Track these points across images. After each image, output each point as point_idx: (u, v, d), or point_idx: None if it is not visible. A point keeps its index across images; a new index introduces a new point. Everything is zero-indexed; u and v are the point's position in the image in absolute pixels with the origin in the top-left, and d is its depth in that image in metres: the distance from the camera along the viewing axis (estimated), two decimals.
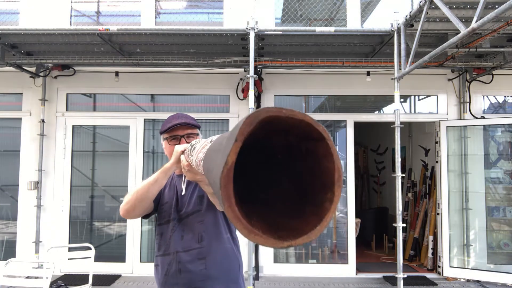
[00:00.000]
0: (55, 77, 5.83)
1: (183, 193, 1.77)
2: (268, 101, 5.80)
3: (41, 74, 5.70)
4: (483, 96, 5.88)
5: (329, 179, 0.61)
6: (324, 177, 0.62)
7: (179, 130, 1.75)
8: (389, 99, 5.82)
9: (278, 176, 0.75)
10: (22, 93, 5.88)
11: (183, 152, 1.45)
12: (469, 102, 5.72)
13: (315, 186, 0.65)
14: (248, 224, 0.54)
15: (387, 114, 6.15)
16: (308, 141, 0.63)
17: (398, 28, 4.38)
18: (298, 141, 0.65)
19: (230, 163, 0.52)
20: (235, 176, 0.54)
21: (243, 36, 4.75)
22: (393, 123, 4.52)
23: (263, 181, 0.79)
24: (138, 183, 1.74)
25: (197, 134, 1.80)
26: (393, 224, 4.57)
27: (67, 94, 5.89)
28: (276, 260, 5.66)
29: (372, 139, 9.03)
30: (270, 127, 0.59)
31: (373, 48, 5.22)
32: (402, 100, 6.05)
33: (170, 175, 1.59)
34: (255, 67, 5.07)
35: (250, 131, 0.53)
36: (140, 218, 5.40)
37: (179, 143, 1.71)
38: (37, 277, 3.60)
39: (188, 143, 1.73)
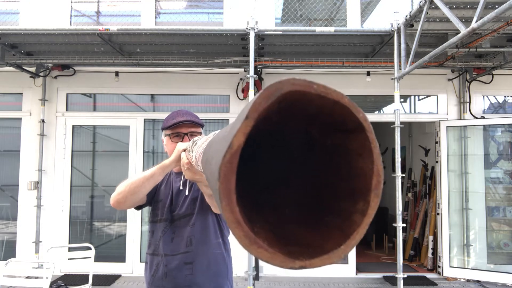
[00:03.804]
0: (55, 77, 5.83)
1: (181, 187, 1.75)
2: None
3: (41, 74, 5.70)
4: (483, 96, 5.88)
5: (362, 184, 0.47)
6: (355, 181, 0.48)
7: (183, 127, 1.71)
8: (389, 99, 5.82)
9: (291, 174, 0.59)
10: (22, 93, 5.88)
11: (184, 150, 1.40)
12: (469, 102, 5.72)
13: (342, 191, 0.50)
14: (250, 231, 0.41)
15: (387, 114, 6.15)
16: (336, 133, 0.48)
17: (398, 28, 4.38)
18: (322, 133, 0.50)
19: (236, 147, 0.39)
20: (239, 170, 0.41)
21: (243, 36, 4.75)
22: (393, 123, 4.52)
23: (272, 180, 0.63)
24: (133, 174, 1.68)
25: (200, 133, 1.77)
26: (393, 224, 4.58)
27: (67, 94, 5.89)
28: None
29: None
30: (288, 110, 0.45)
31: (373, 48, 5.22)
32: (402, 100, 6.05)
33: (167, 172, 1.56)
34: (255, 67, 5.07)
35: (266, 108, 0.40)
36: (140, 218, 5.37)
37: (181, 141, 1.68)
38: (37, 277, 3.61)
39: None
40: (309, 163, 0.56)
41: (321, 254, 0.44)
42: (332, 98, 0.42)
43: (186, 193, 1.74)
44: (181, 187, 1.75)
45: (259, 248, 0.41)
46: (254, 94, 4.72)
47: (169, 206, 1.74)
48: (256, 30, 4.49)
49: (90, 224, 5.92)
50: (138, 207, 1.75)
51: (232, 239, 1.85)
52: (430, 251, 5.86)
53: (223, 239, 1.76)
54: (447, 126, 5.61)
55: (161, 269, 1.69)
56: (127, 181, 1.59)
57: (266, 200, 0.61)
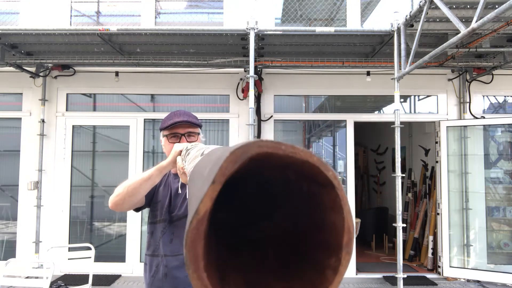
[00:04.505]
0: (55, 77, 5.83)
1: (179, 191, 1.74)
2: (268, 101, 5.80)
3: (41, 74, 5.70)
4: (483, 96, 5.88)
5: (335, 239, 0.46)
6: (328, 234, 0.47)
7: (180, 128, 1.70)
8: (389, 99, 5.82)
9: (274, 213, 0.59)
10: (22, 93, 5.88)
11: (181, 153, 1.40)
12: (469, 102, 5.72)
13: (317, 242, 0.49)
14: None
15: (387, 114, 6.15)
16: (311, 183, 0.48)
17: (398, 28, 4.38)
18: (298, 180, 0.50)
19: (202, 213, 0.39)
20: (222, 204, 0.40)
21: (243, 36, 4.75)
22: (393, 123, 4.52)
23: (256, 217, 0.62)
24: (131, 176, 1.65)
25: (198, 133, 1.76)
26: (393, 224, 4.57)
27: (67, 94, 5.89)
28: None
29: (372, 139, 9.03)
30: (261, 162, 0.45)
31: (373, 48, 5.22)
32: (402, 100, 6.06)
33: (165, 173, 1.55)
34: (255, 67, 5.07)
35: (234, 171, 0.40)
36: (140, 218, 5.36)
37: (179, 141, 1.68)
38: (37, 277, 3.61)
39: (189, 141, 1.69)
40: (288, 207, 0.55)
41: None
42: (300, 158, 0.43)
43: (179, 191, 1.74)
44: (180, 190, 1.74)
45: None
46: (254, 94, 4.72)
47: (168, 207, 1.73)
48: (256, 30, 4.49)
49: (90, 224, 5.92)
50: (137, 209, 1.75)
51: None
52: (430, 251, 5.86)
53: None
54: (447, 126, 5.61)
55: (161, 270, 1.68)
56: (124, 183, 1.58)
57: (249, 236, 0.61)
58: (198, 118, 1.81)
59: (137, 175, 1.56)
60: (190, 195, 0.58)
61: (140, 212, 1.83)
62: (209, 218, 0.41)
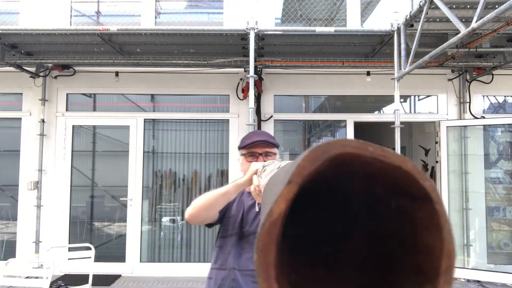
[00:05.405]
0: (55, 77, 5.83)
1: (256, 209, 1.78)
2: (268, 101, 5.80)
3: (41, 74, 5.70)
4: (483, 96, 5.88)
5: (430, 265, 0.39)
6: (421, 259, 0.40)
7: (258, 147, 1.76)
8: (389, 99, 5.82)
9: (352, 231, 0.52)
10: (22, 93, 5.88)
11: (257, 171, 1.39)
12: (469, 102, 5.72)
13: (407, 267, 0.42)
14: None
15: (387, 114, 6.15)
16: (400, 196, 0.41)
17: (398, 28, 4.38)
18: (385, 193, 0.43)
19: (276, 215, 0.35)
20: (297, 220, 0.36)
21: (243, 36, 4.75)
22: (393, 123, 4.52)
23: (332, 234, 0.56)
24: (209, 192, 1.75)
25: (275, 154, 1.81)
26: None
27: (67, 94, 5.89)
28: None
29: (372, 139, 9.00)
30: (343, 167, 0.39)
31: (373, 48, 5.22)
32: (402, 100, 6.05)
33: (241, 191, 1.59)
34: (255, 67, 5.07)
35: (313, 171, 0.36)
36: (140, 218, 5.38)
37: (256, 161, 1.72)
38: (37, 277, 3.61)
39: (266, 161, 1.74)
40: (372, 225, 0.48)
41: None
42: (391, 163, 0.36)
43: (257, 209, 1.77)
44: (257, 208, 1.78)
45: None
46: (254, 94, 4.71)
47: (240, 222, 1.77)
48: (256, 30, 4.49)
49: (90, 224, 5.92)
50: (209, 225, 1.80)
51: None
52: None
53: None
54: (447, 126, 5.61)
55: (227, 284, 1.70)
56: (202, 197, 1.65)
57: (323, 256, 0.54)
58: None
59: (214, 191, 1.62)
60: (263, 204, 0.52)
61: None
62: (284, 223, 0.36)
